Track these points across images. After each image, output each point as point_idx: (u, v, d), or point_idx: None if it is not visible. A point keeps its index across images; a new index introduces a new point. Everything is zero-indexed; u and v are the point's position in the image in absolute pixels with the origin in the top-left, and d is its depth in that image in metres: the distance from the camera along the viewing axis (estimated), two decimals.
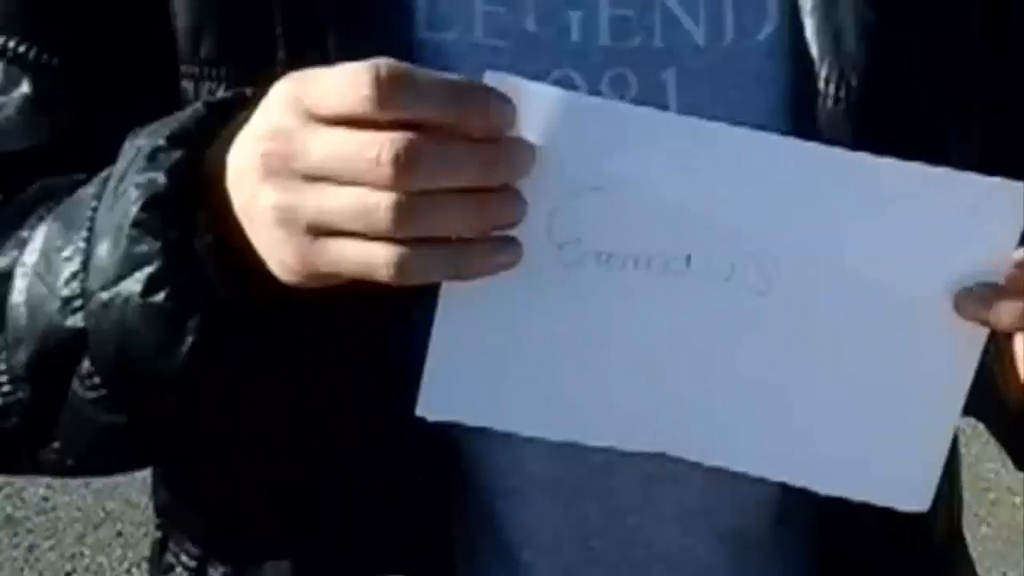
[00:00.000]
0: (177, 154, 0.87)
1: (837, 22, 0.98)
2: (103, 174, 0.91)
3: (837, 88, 0.97)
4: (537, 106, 0.79)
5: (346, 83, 0.77)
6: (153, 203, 0.86)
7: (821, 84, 0.97)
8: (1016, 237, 0.82)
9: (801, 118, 0.96)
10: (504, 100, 0.78)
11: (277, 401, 0.93)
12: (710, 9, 0.97)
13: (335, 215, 0.79)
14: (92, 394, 0.91)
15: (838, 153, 0.83)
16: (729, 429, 0.87)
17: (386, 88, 0.77)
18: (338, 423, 0.95)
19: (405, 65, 0.78)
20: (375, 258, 0.79)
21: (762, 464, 0.88)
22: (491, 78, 0.79)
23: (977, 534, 3.25)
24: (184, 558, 1.05)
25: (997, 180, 0.81)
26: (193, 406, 0.92)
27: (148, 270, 0.86)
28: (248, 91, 0.88)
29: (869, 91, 0.97)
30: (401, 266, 0.79)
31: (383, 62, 0.77)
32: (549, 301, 0.84)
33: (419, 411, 0.85)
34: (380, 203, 0.77)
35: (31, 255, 0.92)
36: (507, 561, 0.99)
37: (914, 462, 0.87)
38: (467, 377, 0.85)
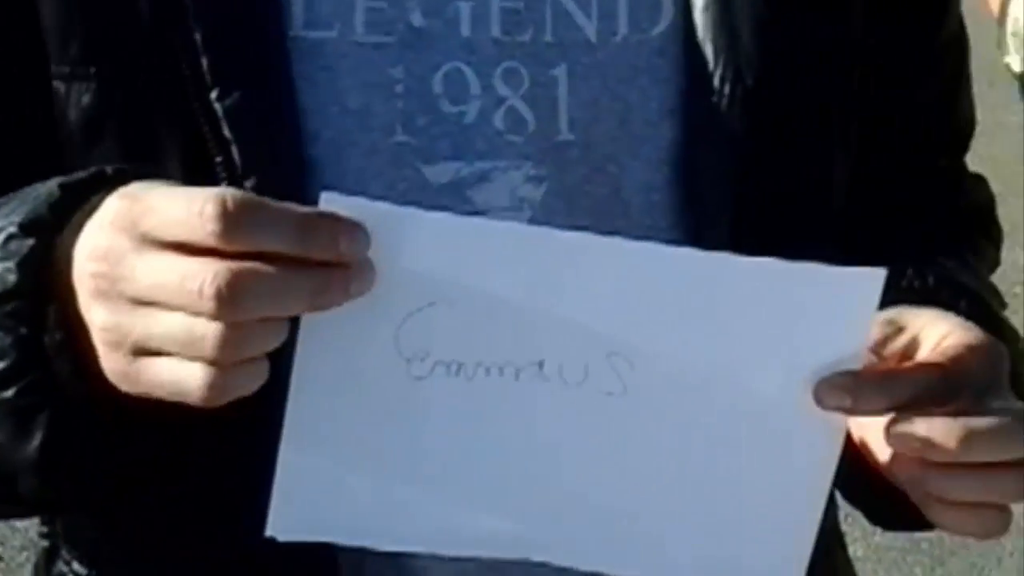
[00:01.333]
0: (29, 242, 0.85)
1: (732, 20, 0.96)
2: None
3: (732, 87, 0.96)
4: (375, 223, 0.79)
5: (191, 213, 0.76)
6: (3, 298, 0.86)
7: (716, 83, 0.96)
8: (871, 324, 0.84)
9: (695, 117, 0.96)
10: (356, 230, 0.78)
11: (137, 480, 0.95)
12: (602, 4, 0.96)
13: (159, 340, 0.79)
14: None
15: (687, 253, 0.84)
16: (591, 531, 0.88)
17: (232, 222, 0.76)
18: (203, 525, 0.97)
19: (251, 197, 0.78)
20: (186, 382, 0.79)
21: (629, 565, 0.89)
22: (327, 199, 0.78)
23: (872, 542, 3.30)
24: (76, 566, 1.05)
25: (850, 270, 0.82)
26: (51, 488, 0.92)
27: None
28: (108, 169, 0.86)
29: (764, 91, 0.96)
30: (213, 388, 0.79)
31: (230, 193, 0.77)
32: (400, 415, 0.84)
33: (269, 531, 0.85)
34: (205, 333, 0.77)
35: None
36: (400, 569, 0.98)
37: (782, 551, 0.88)
38: (318, 495, 0.85)
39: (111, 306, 0.80)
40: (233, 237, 0.76)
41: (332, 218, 0.78)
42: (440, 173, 0.94)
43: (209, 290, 0.75)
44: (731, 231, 0.95)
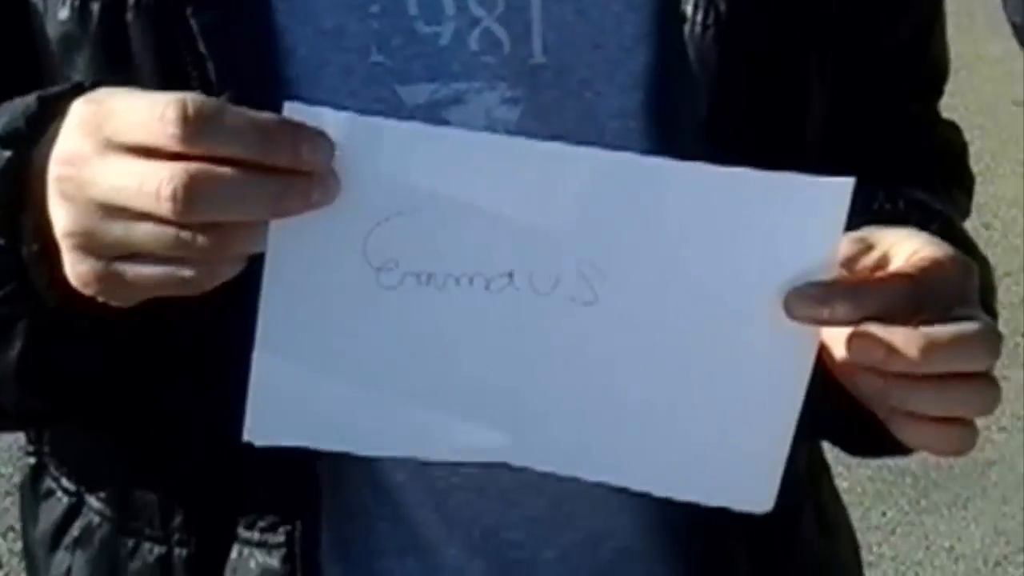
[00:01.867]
0: (6, 154, 0.86)
1: None
2: None
3: (705, 14, 0.94)
4: (340, 133, 0.78)
5: (152, 117, 0.77)
6: None
7: (689, 9, 0.94)
8: (840, 233, 0.83)
9: (668, 43, 0.94)
10: (319, 138, 0.78)
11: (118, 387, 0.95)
12: None
13: (128, 243, 0.79)
14: None
15: (657, 162, 0.83)
16: (566, 438, 0.88)
17: (192, 126, 0.76)
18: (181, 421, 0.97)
19: (213, 101, 0.78)
20: (166, 281, 0.80)
21: (599, 470, 0.89)
22: (290, 109, 0.78)
23: (857, 475, 3.30)
24: (64, 482, 1.05)
25: (820, 179, 0.81)
26: (33, 396, 0.94)
27: None
28: (87, 82, 0.87)
29: (737, 18, 0.95)
30: (193, 283, 0.80)
31: (191, 98, 0.77)
32: (371, 323, 0.84)
33: (246, 437, 0.85)
34: (176, 237, 0.77)
35: None
36: (377, 484, 0.99)
37: (754, 464, 0.88)
38: (293, 402, 0.85)
39: (77, 210, 0.80)
40: (193, 141, 0.76)
41: (294, 125, 0.78)
42: (415, 94, 0.93)
43: (166, 190, 0.76)
44: (704, 159, 0.93)
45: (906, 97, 1.11)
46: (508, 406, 0.87)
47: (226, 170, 0.76)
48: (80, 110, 0.81)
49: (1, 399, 0.93)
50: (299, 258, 0.82)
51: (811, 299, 0.83)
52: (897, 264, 0.86)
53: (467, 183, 0.81)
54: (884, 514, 3.34)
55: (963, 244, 0.94)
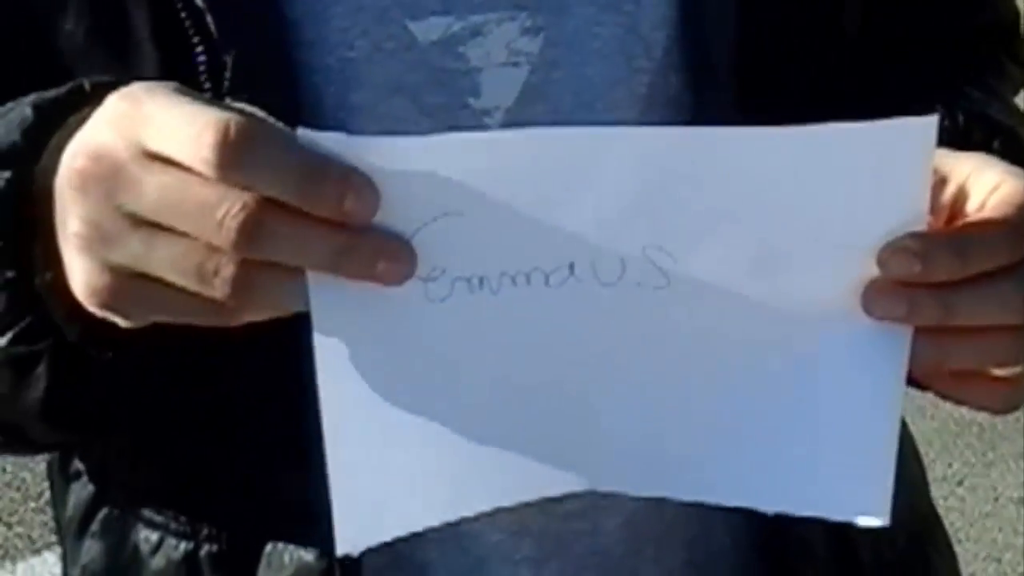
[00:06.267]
0: (5, 175, 0.78)
1: None
2: None
3: None
4: (360, 155, 0.71)
5: (188, 135, 0.70)
6: None
7: None
8: (929, 179, 0.74)
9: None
10: (368, 191, 0.71)
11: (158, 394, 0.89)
12: None
13: (142, 261, 0.73)
14: None
15: (713, 132, 0.75)
16: (648, 449, 0.80)
17: (230, 156, 0.69)
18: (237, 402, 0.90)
19: (258, 128, 0.70)
20: (190, 312, 0.74)
21: (693, 487, 0.81)
22: (304, 136, 0.71)
23: (922, 427, 3.26)
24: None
25: (897, 122, 0.72)
26: (62, 432, 0.89)
27: None
28: (86, 84, 0.80)
29: None
30: (219, 318, 0.74)
31: (235, 121, 0.70)
32: (430, 345, 0.76)
33: (341, 549, 0.77)
34: (218, 269, 0.71)
35: None
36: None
37: (860, 470, 0.78)
38: (378, 487, 0.77)
39: (94, 208, 0.72)
40: (228, 172, 0.69)
41: (344, 172, 0.70)
42: (429, 30, 0.87)
43: (232, 222, 0.69)
44: (738, 57, 0.89)
45: None
46: (587, 420, 0.78)
47: (295, 212, 0.70)
48: (115, 106, 0.74)
49: (28, 436, 0.87)
50: (342, 306, 0.74)
51: (908, 252, 0.74)
52: (977, 200, 0.80)
53: (505, 182, 0.73)
54: (950, 466, 3.30)
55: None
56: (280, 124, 0.73)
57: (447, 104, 0.87)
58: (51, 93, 0.80)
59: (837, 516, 0.79)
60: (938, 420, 3.29)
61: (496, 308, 0.75)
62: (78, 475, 0.99)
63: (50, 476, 1.02)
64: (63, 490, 1.00)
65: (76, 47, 0.86)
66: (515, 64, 0.88)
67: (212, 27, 0.84)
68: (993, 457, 3.33)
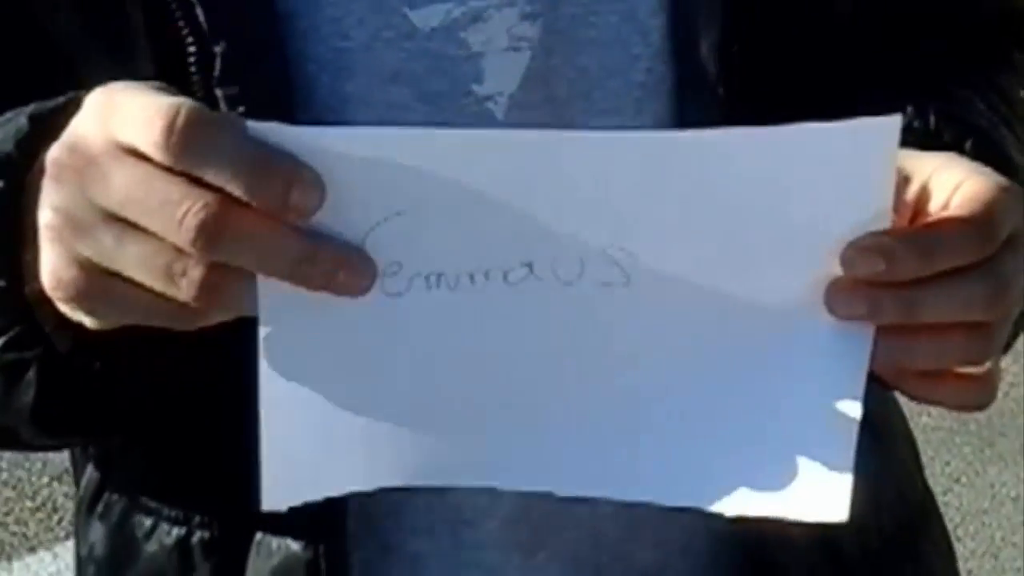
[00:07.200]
0: None
1: None
2: None
3: None
4: (314, 148, 0.71)
5: (142, 120, 0.70)
6: None
7: None
8: (892, 178, 0.74)
9: None
10: (314, 189, 0.70)
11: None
12: None
13: (112, 258, 0.72)
14: None
15: (670, 136, 0.76)
16: (605, 450, 0.79)
17: (177, 139, 0.69)
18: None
19: (209, 117, 0.71)
20: (154, 314, 0.74)
21: (647, 489, 0.80)
22: (253, 128, 0.71)
23: (919, 424, 3.25)
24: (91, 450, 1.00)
25: (860, 121, 0.72)
26: (54, 435, 0.90)
27: None
28: (82, 94, 0.78)
29: None
30: (182, 321, 0.74)
31: (186, 107, 0.70)
32: (382, 339, 0.76)
33: (266, 505, 0.77)
34: (184, 271, 0.71)
35: None
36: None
37: (819, 468, 0.78)
38: (310, 451, 0.78)
39: (68, 199, 0.72)
40: (175, 155, 0.69)
41: (292, 167, 0.70)
42: (428, 16, 0.86)
43: (192, 220, 0.69)
44: (727, 45, 0.88)
45: None
46: (540, 417, 0.78)
47: (259, 216, 0.70)
48: (92, 99, 0.74)
49: (21, 437, 0.87)
50: (292, 297, 0.73)
51: (872, 250, 0.74)
52: (940, 199, 0.79)
53: (463, 180, 0.72)
54: (948, 463, 3.30)
55: (1001, 161, 0.87)
56: (238, 115, 0.73)
57: (449, 91, 0.86)
58: (48, 104, 0.80)
59: (795, 516, 0.78)
60: (934, 417, 3.29)
61: (454, 305, 0.75)
62: (92, 456, 0.99)
63: (72, 452, 1.02)
64: (81, 466, 1.00)
65: (74, 42, 0.86)
66: (517, 49, 0.87)
67: (202, 19, 0.83)
68: (991, 454, 3.33)
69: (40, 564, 3.17)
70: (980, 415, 3.35)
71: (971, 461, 3.31)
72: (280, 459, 0.76)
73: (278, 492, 0.77)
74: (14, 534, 3.22)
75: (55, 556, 3.17)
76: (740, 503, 0.78)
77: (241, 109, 0.82)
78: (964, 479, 3.26)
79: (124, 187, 0.71)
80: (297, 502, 0.78)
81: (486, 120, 0.87)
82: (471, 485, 0.81)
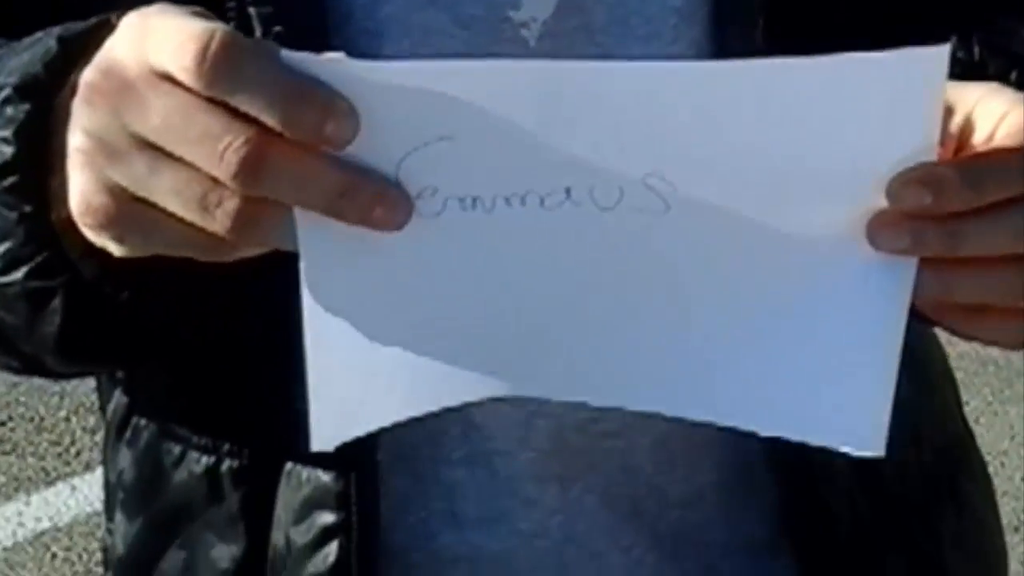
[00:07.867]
0: (25, 107, 0.77)
1: None
2: None
3: None
4: (348, 78, 0.70)
5: (175, 45, 0.69)
6: (1, 172, 0.78)
7: None
8: (940, 110, 0.72)
9: None
10: (349, 119, 0.69)
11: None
12: None
13: (144, 186, 0.71)
14: None
15: (717, 66, 0.76)
16: (640, 367, 0.80)
17: (209, 67, 0.68)
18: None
19: (245, 44, 0.69)
20: (187, 244, 0.73)
21: (685, 404, 0.81)
22: (288, 57, 0.70)
23: None
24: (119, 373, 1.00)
25: (906, 51, 0.71)
26: (77, 363, 0.89)
27: (3, 246, 0.80)
28: (113, 18, 0.76)
29: None
30: (217, 253, 0.73)
31: (220, 33, 0.68)
32: (418, 261, 0.75)
33: (315, 445, 0.77)
34: (220, 203, 0.70)
35: None
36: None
37: (858, 400, 0.78)
38: (356, 385, 0.78)
39: (100, 123, 0.71)
40: (206, 82, 0.67)
41: (327, 97, 0.69)
42: None
43: (234, 156, 0.68)
44: None
45: None
46: (576, 333, 0.78)
47: (298, 150, 0.69)
48: (127, 22, 0.72)
49: (45, 365, 0.86)
50: (329, 228, 0.73)
51: (919, 183, 0.72)
52: (984, 130, 0.78)
53: (499, 110, 0.72)
54: (967, 403, 3.25)
55: None
56: (273, 43, 0.71)
57: (485, 16, 0.85)
58: (78, 26, 0.79)
59: (832, 444, 0.78)
60: (953, 357, 3.25)
61: (489, 226, 0.74)
62: (120, 381, 0.98)
63: (98, 377, 1.02)
64: (109, 392, 0.99)
65: None
66: None
67: None
68: (1010, 394, 3.33)
69: (58, 497, 3.18)
70: (1001, 355, 3.34)
71: (991, 401, 3.31)
72: (328, 396, 0.76)
73: (327, 430, 0.77)
74: (32, 467, 3.24)
75: (73, 489, 3.19)
76: (778, 423, 0.79)
77: (277, 29, 0.81)
78: (983, 419, 3.27)
79: (161, 115, 0.69)
80: (346, 439, 0.78)
81: (519, 46, 0.86)
82: (518, 395, 0.81)
